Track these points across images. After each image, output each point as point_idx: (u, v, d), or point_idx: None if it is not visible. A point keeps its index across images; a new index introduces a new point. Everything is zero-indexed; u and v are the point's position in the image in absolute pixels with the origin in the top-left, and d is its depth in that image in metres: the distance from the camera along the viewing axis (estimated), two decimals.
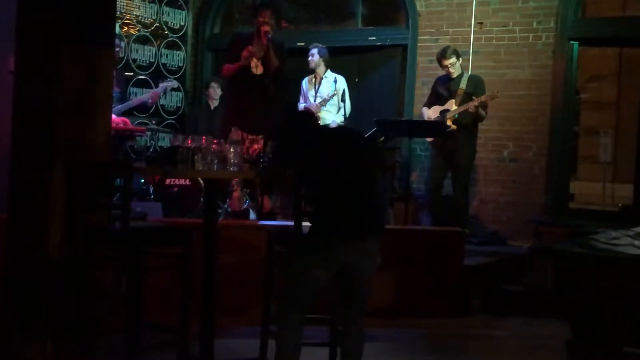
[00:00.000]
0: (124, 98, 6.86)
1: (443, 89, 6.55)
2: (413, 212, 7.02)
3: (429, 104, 6.64)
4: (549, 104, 7.16)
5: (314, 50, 7.09)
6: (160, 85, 7.33)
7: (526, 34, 7.25)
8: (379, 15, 8.71)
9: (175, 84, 7.60)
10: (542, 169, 7.18)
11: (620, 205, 8.13)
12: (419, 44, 7.69)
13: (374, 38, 8.11)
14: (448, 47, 6.64)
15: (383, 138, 6.92)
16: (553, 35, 7.13)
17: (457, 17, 7.54)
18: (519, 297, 5.71)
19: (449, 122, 6.36)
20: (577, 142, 9.30)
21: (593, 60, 9.39)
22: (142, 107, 8.27)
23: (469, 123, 6.38)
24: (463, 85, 6.41)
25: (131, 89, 7.94)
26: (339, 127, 3.23)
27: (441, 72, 6.70)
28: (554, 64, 7.13)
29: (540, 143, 7.17)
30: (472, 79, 6.51)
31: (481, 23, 7.44)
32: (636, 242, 3.50)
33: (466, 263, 5.54)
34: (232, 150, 3.74)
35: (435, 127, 6.34)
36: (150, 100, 7.05)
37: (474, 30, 7.45)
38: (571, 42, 7.13)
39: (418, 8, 7.73)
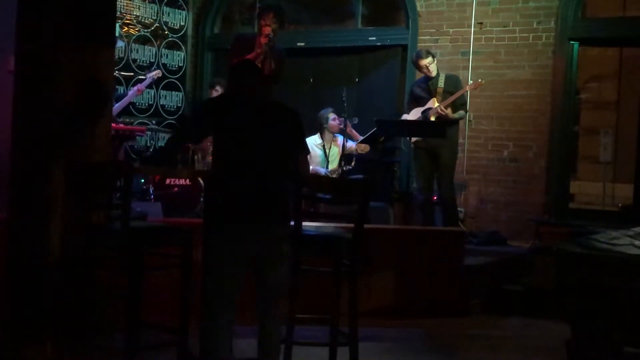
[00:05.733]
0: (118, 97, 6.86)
1: (422, 91, 6.53)
2: (413, 212, 7.01)
3: (408, 110, 6.63)
4: (549, 104, 7.16)
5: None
6: (148, 75, 7.32)
7: (526, 34, 7.25)
8: (379, 15, 8.70)
9: (159, 72, 7.58)
10: (542, 169, 7.18)
11: (620, 205, 8.12)
12: (419, 44, 7.68)
13: (374, 38, 8.11)
14: (421, 49, 6.68)
15: (383, 138, 6.91)
16: (553, 35, 7.13)
17: (457, 17, 7.54)
18: (519, 297, 5.71)
19: (432, 119, 6.37)
20: (577, 142, 9.29)
21: (593, 60, 9.38)
22: (143, 108, 8.30)
23: (449, 122, 6.36)
24: (441, 84, 6.41)
25: (131, 87, 7.92)
26: (263, 104, 3.16)
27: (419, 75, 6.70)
28: (554, 64, 7.13)
29: (540, 143, 7.17)
30: (449, 77, 6.49)
31: (481, 23, 7.44)
32: (636, 242, 3.50)
33: (466, 263, 5.54)
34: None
35: (435, 127, 6.33)
36: (137, 93, 7.07)
37: (474, 30, 7.45)
38: (571, 42, 7.13)
39: (418, 8, 7.73)
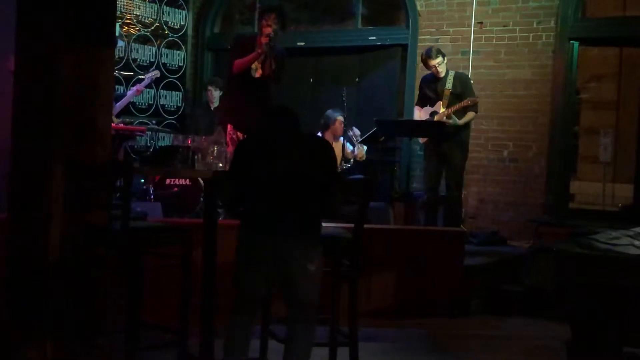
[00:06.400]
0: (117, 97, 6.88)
1: (430, 90, 6.47)
2: (413, 212, 7.02)
3: (420, 104, 6.61)
4: (549, 104, 7.16)
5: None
6: (147, 76, 7.33)
7: (526, 34, 7.25)
8: (379, 15, 8.71)
9: (157, 73, 7.62)
10: (542, 169, 7.18)
11: (620, 205, 8.12)
12: (419, 44, 7.69)
13: (374, 38, 8.11)
14: (432, 47, 6.56)
15: (383, 138, 6.91)
16: (553, 35, 7.14)
17: (457, 17, 7.54)
18: (519, 297, 5.71)
19: None
20: (577, 142, 9.29)
21: (593, 60, 9.37)
22: (143, 108, 8.31)
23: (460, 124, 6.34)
24: (449, 85, 6.33)
25: (130, 87, 7.93)
26: (277, 132, 3.28)
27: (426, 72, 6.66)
28: (554, 64, 7.13)
29: (540, 143, 7.18)
30: (457, 77, 6.40)
31: (481, 23, 7.44)
32: (636, 242, 3.50)
33: (466, 263, 5.54)
34: (215, 149, 3.78)
35: (435, 128, 6.33)
36: (136, 93, 7.11)
37: (474, 30, 7.45)
38: (571, 42, 7.14)
39: (418, 8, 7.73)
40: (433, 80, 6.47)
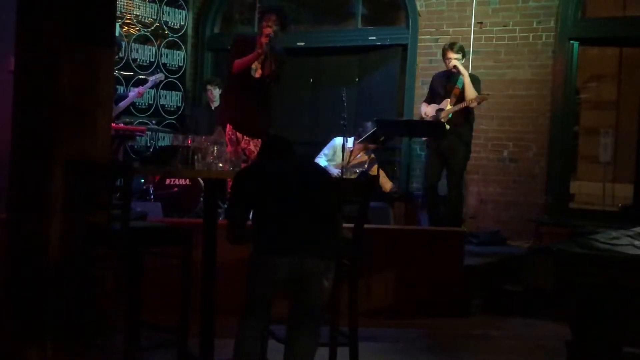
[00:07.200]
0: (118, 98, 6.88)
1: (440, 86, 6.46)
2: (413, 212, 7.01)
3: (428, 100, 6.60)
4: (549, 104, 7.16)
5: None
6: (150, 79, 7.34)
7: (526, 34, 7.25)
8: (379, 15, 8.71)
9: (162, 76, 7.63)
10: (542, 169, 7.18)
11: (620, 205, 8.12)
12: (419, 44, 7.69)
13: (374, 38, 8.11)
14: (457, 42, 6.57)
15: (383, 138, 6.91)
16: (553, 35, 7.13)
17: (457, 17, 7.54)
18: (519, 297, 5.71)
19: (442, 120, 6.33)
20: (577, 142, 9.29)
21: (593, 60, 9.38)
22: (143, 108, 8.31)
23: (463, 123, 6.34)
24: (460, 84, 6.34)
25: (131, 88, 7.93)
26: (283, 165, 3.33)
27: (441, 68, 6.65)
28: (554, 64, 7.13)
29: (540, 143, 7.17)
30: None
31: (481, 23, 7.44)
32: (636, 242, 3.50)
33: (466, 263, 5.54)
34: (215, 149, 3.78)
35: (434, 128, 6.32)
36: (137, 95, 7.13)
37: (474, 30, 7.45)
38: (571, 42, 7.13)
39: (418, 8, 7.73)
40: (445, 77, 6.45)
